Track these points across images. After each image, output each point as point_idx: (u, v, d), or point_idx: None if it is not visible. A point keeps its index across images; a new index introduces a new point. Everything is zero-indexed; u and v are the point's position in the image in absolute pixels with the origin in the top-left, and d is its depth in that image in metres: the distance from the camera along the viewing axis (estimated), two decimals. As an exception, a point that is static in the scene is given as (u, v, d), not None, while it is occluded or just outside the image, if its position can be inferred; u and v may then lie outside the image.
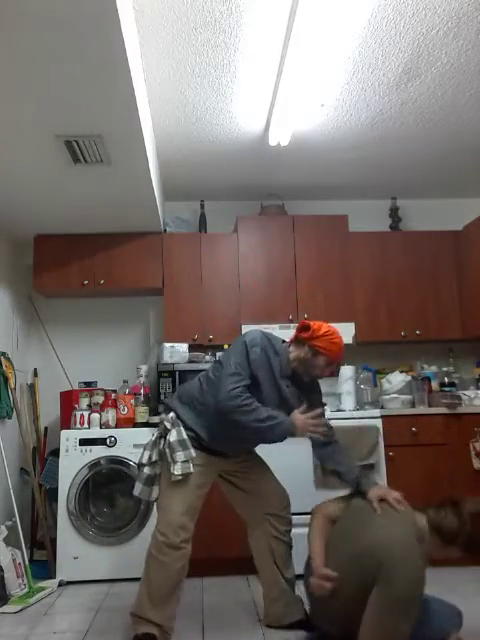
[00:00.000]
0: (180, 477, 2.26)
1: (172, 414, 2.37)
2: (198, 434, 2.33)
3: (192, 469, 2.27)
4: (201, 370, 3.59)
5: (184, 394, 2.44)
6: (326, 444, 2.44)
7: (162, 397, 3.58)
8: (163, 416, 2.43)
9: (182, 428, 2.32)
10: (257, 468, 2.55)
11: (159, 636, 2.21)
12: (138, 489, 2.37)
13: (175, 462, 2.25)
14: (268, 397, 2.33)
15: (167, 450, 2.29)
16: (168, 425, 2.33)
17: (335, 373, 2.51)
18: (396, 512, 2.14)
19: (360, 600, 1.96)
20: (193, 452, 2.29)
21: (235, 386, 2.22)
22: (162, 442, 2.35)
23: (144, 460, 2.37)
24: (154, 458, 2.36)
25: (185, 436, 2.30)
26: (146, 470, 2.36)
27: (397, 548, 1.96)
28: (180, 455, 2.26)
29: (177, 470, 2.24)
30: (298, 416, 2.29)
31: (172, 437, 2.29)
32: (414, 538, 2.03)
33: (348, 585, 2.02)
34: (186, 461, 2.27)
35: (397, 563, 1.92)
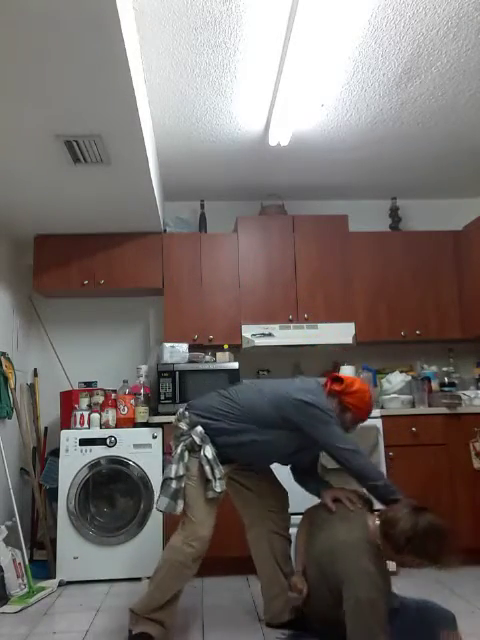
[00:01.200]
0: (219, 494, 2.29)
1: (200, 428, 2.35)
2: (224, 451, 2.36)
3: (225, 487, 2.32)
4: (201, 370, 3.65)
5: (207, 410, 2.41)
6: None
7: (162, 398, 3.58)
8: (185, 428, 2.39)
9: (211, 444, 2.34)
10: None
11: (158, 634, 2.23)
12: (164, 504, 2.31)
13: (216, 479, 2.28)
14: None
15: (207, 467, 2.29)
16: (197, 440, 2.33)
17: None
18: (351, 514, 2.14)
19: (334, 603, 1.97)
20: (222, 468, 2.32)
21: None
22: (186, 456, 2.34)
23: (171, 474, 2.31)
24: (181, 472, 2.32)
25: (216, 453, 2.32)
26: (174, 484, 2.31)
27: (341, 549, 1.99)
28: (218, 472, 2.29)
29: (218, 487, 2.27)
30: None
31: (208, 454, 2.30)
32: (361, 539, 2.02)
33: (317, 588, 2.05)
34: (221, 478, 2.30)
35: (345, 565, 1.95)
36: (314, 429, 2.28)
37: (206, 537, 2.27)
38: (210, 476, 2.28)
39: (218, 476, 2.28)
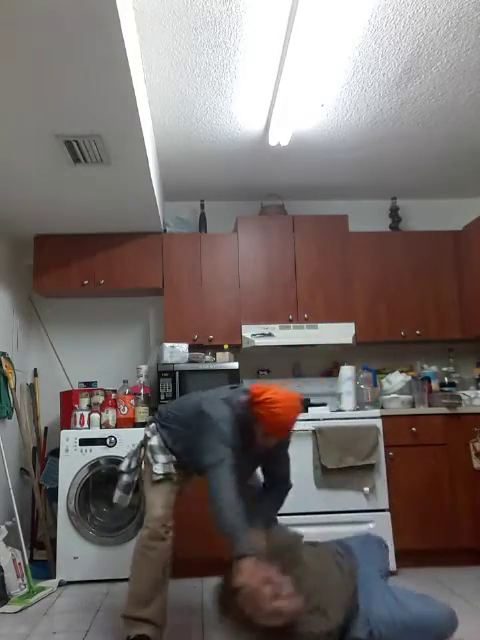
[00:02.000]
0: (161, 477, 2.34)
1: (152, 424, 2.47)
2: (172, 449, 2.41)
3: (173, 470, 2.37)
4: (201, 370, 3.65)
5: (162, 413, 2.51)
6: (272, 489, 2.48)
7: (162, 398, 3.58)
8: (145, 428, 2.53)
9: (160, 437, 2.43)
10: None
11: (152, 634, 2.21)
12: (116, 496, 2.51)
13: (156, 462, 2.36)
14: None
15: (148, 453, 2.40)
16: (148, 434, 2.45)
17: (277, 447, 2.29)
18: None
19: None
20: (173, 457, 2.38)
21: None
22: (142, 451, 2.49)
23: (123, 468, 2.50)
24: (133, 465, 2.49)
25: (162, 442, 2.41)
26: (125, 478, 2.49)
27: None
28: (161, 457, 2.37)
29: (159, 470, 2.34)
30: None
31: (153, 442, 2.41)
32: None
33: None
34: (167, 463, 2.36)
35: None
36: (200, 438, 2.22)
37: (157, 516, 2.31)
38: (151, 460, 2.37)
39: (161, 460, 2.35)
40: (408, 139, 3.50)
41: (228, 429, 2.17)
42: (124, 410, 3.48)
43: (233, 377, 3.61)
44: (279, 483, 2.48)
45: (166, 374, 3.61)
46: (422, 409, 3.57)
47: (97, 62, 2.01)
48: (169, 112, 3.10)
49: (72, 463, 3.31)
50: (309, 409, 3.53)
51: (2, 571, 2.90)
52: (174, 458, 2.39)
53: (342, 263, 3.96)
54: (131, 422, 3.45)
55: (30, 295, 4.07)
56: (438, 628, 1.96)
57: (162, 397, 3.58)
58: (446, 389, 3.73)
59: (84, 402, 3.52)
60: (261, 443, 2.19)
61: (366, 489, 3.27)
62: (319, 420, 3.39)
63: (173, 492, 2.40)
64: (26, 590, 2.99)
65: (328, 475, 3.29)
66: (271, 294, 3.88)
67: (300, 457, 3.29)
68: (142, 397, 3.52)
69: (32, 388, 3.97)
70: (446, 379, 3.82)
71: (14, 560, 3.01)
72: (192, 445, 2.29)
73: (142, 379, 3.63)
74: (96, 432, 3.39)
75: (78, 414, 3.44)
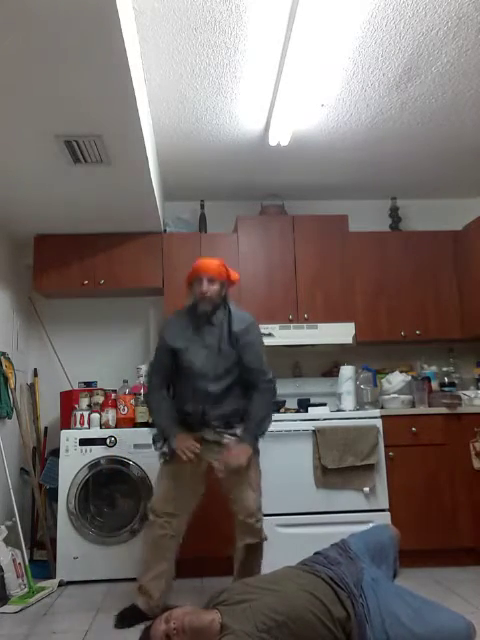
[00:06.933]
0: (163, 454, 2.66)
1: None
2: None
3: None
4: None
5: None
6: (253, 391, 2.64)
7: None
8: None
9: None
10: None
11: (145, 607, 2.50)
12: None
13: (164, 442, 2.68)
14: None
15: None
16: None
17: (207, 292, 2.61)
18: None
19: None
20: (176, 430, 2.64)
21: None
22: None
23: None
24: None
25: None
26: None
27: None
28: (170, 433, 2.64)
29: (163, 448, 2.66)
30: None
31: None
32: None
33: None
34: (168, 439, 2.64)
35: None
36: None
37: (153, 504, 2.63)
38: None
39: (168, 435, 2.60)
40: (408, 139, 3.50)
41: (162, 335, 2.71)
42: (124, 410, 3.48)
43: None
44: (253, 381, 2.63)
45: (166, 374, 3.60)
46: (422, 409, 3.57)
47: (97, 62, 2.01)
48: (169, 112, 3.10)
49: (72, 463, 3.30)
50: (309, 409, 3.53)
51: (2, 571, 2.90)
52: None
53: (342, 263, 3.96)
54: (131, 422, 3.45)
55: (30, 295, 4.07)
56: None
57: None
58: (446, 389, 3.73)
59: (84, 402, 3.52)
60: (201, 306, 2.61)
61: (366, 489, 3.27)
62: (319, 420, 3.39)
63: (168, 477, 2.63)
64: (26, 590, 2.98)
65: (328, 475, 3.29)
66: (271, 294, 3.88)
67: (300, 457, 3.29)
68: (142, 397, 3.52)
69: (32, 388, 3.97)
70: (446, 379, 3.82)
71: (14, 560, 3.00)
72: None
73: (142, 379, 3.62)
74: (96, 432, 3.39)
75: (78, 414, 3.44)
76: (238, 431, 2.58)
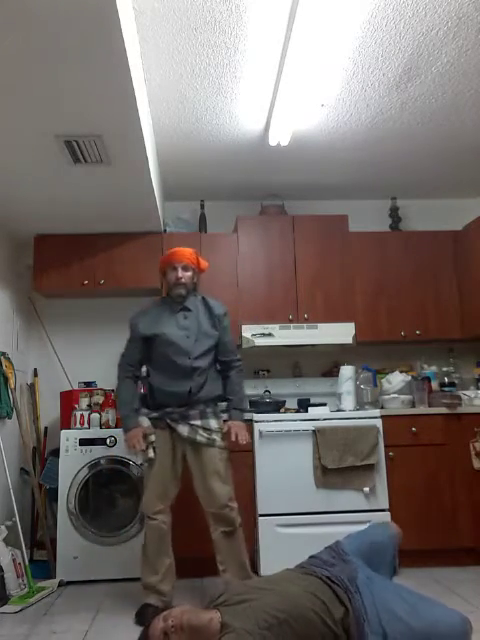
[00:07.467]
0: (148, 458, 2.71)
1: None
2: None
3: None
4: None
5: None
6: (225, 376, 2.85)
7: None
8: None
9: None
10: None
11: (157, 603, 2.54)
12: None
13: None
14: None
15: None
16: None
17: (182, 278, 2.82)
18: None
19: None
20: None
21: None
22: None
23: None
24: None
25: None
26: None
27: None
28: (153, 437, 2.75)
29: (150, 454, 2.70)
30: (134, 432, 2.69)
31: (144, 423, 2.77)
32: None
33: None
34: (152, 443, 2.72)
35: None
36: None
37: (144, 507, 2.74)
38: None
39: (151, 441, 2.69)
40: (408, 139, 3.50)
41: (135, 325, 2.90)
42: (124, 410, 3.47)
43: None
44: (228, 361, 2.85)
45: (166, 374, 3.60)
46: (422, 409, 3.57)
47: (97, 62, 2.01)
48: (169, 112, 3.10)
49: (72, 463, 3.31)
50: (309, 409, 3.53)
51: (2, 571, 2.90)
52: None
53: (342, 263, 3.96)
54: (131, 422, 3.45)
55: (30, 295, 4.06)
56: (453, 636, 1.88)
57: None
58: (446, 389, 3.73)
59: (84, 402, 3.53)
60: (175, 290, 2.80)
61: (366, 489, 3.27)
62: (319, 420, 3.39)
63: (152, 478, 2.71)
64: (26, 590, 2.99)
65: (328, 475, 3.29)
66: (271, 294, 3.88)
67: (300, 457, 3.29)
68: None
69: (32, 388, 3.97)
70: (446, 379, 3.82)
71: (14, 560, 3.01)
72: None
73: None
74: (96, 432, 3.39)
75: (78, 414, 3.44)
76: (216, 424, 2.73)
